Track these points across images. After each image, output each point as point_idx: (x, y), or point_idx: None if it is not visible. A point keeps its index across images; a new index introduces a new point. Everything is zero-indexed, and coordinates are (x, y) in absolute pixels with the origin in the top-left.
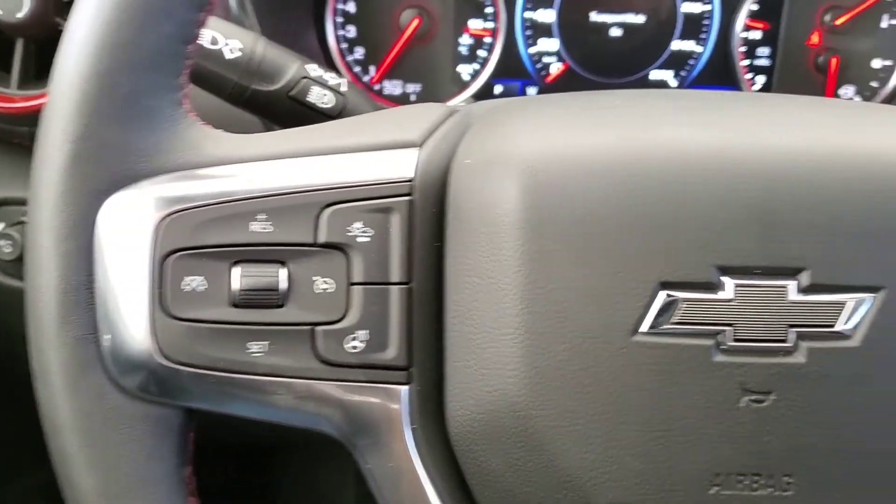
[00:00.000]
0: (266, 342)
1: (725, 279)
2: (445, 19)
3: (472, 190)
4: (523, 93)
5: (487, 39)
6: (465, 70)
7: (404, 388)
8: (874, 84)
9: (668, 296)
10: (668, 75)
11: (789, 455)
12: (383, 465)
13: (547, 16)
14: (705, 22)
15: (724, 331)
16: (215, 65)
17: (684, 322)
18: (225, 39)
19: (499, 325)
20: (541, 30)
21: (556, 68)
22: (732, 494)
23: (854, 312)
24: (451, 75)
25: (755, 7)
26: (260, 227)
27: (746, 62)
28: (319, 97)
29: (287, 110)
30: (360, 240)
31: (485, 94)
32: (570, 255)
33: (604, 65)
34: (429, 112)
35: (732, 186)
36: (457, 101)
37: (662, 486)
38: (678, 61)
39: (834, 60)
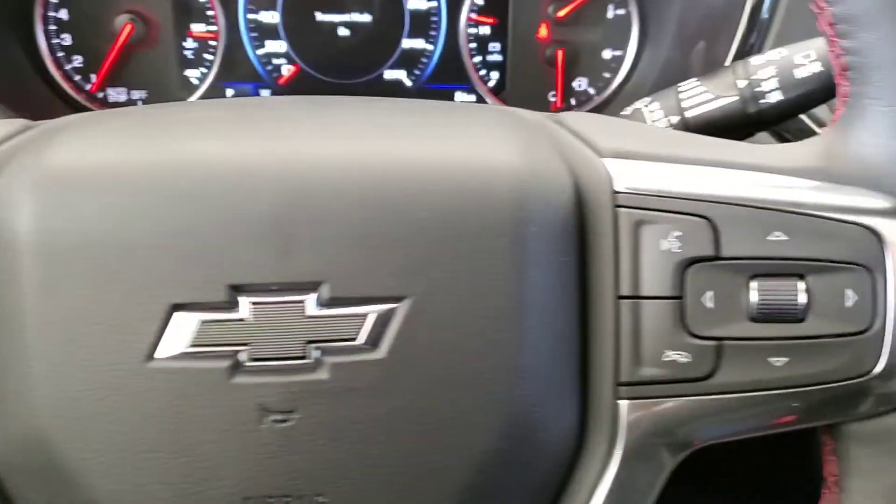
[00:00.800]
0: None
1: (241, 298)
2: (165, 23)
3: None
4: (257, 95)
5: (213, 42)
6: (193, 74)
7: None
8: (606, 75)
9: (182, 318)
10: (401, 74)
11: (318, 474)
12: None
13: (271, 17)
14: (433, 19)
15: (240, 351)
16: None
17: (200, 344)
18: None
19: (21, 356)
20: (266, 31)
21: (287, 70)
22: None
23: (377, 324)
24: (178, 79)
25: (481, 2)
26: None
27: (478, 58)
28: None
29: None
30: None
31: (215, 97)
32: (81, 280)
33: (336, 65)
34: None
35: (247, 201)
36: None
37: None
38: (410, 60)
39: (560, 53)
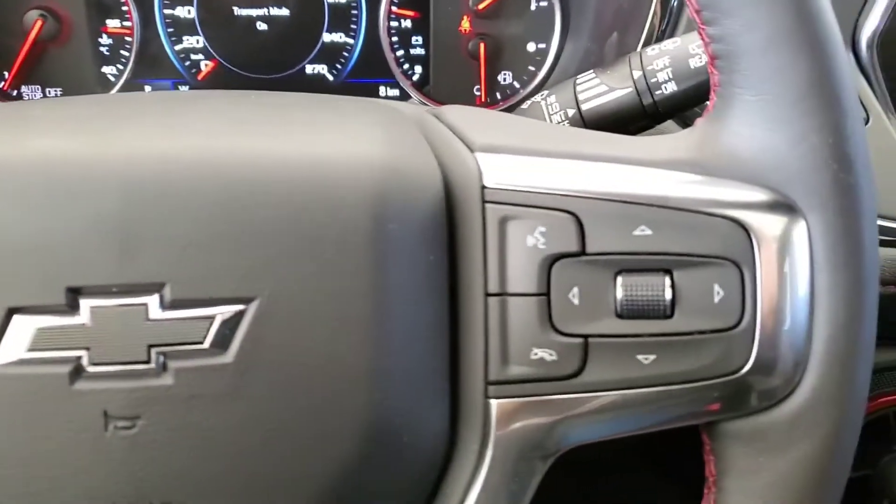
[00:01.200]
0: None
1: (82, 301)
2: (78, 19)
3: None
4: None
5: (129, 38)
6: (109, 70)
7: None
8: (531, 68)
9: (20, 322)
10: (323, 69)
11: (166, 482)
12: None
13: (187, 12)
14: (353, 12)
15: (81, 356)
16: None
17: (39, 349)
18: None
19: None
20: (183, 26)
21: (205, 66)
22: None
23: (224, 327)
24: (95, 76)
25: None
26: None
27: (401, 52)
28: None
29: None
30: None
31: None
32: None
33: (255, 60)
34: None
35: (86, 199)
36: None
37: None
38: (331, 54)
39: (482, 46)
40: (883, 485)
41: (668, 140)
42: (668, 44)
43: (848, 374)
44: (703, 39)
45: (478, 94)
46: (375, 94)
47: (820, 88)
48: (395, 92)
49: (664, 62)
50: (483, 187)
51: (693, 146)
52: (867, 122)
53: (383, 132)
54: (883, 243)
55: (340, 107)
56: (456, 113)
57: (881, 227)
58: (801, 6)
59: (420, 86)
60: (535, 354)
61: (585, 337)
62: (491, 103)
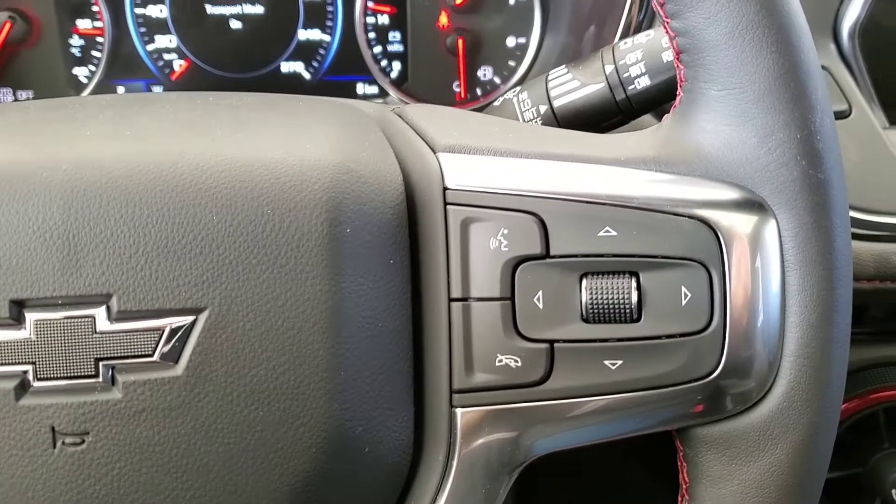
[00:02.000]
0: None
1: (26, 314)
2: (48, 20)
3: None
4: (148, 91)
5: (100, 39)
6: (81, 72)
7: None
8: (511, 63)
9: None
10: (299, 67)
11: (117, 499)
12: None
13: (159, 11)
14: (329, 9)
15: (27, 371)
16: None
17: None
18: None
19: None
20: (155, 26)
21: (178, 65)
22: None
23: (174, 338)
24: (67, 78)
25: None
26: None
27: (378, 49)
28: None
29: None
30: None
31: None
32: None
33: (230, 59)
34: None
35: (29, 208)
36: None
37: None
38: (308, 52)
39: (460, 41)
40: (874, 482)
41: (635, 137)
42: (640, 37)
43: (821, 375)
44: (667, 33)
45: (457, 90)
46: (353, 92)
47: (786, 82)
48: (374, 89)
49: (636, 56)
50: (445, 188)
51: (659, 143)
52: (849, 113)
53: (340, 133)
54: (867, 238)
55: (297, 108)
56: (419, 112)
57: (865, 221)
58: None
59: (399, 83)
60: (500, 361)
61: (551, 342)
62: (471, 99)
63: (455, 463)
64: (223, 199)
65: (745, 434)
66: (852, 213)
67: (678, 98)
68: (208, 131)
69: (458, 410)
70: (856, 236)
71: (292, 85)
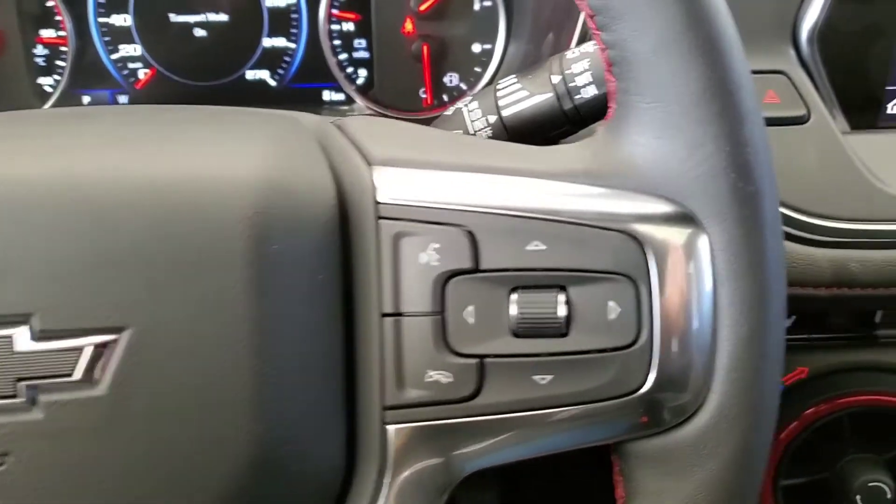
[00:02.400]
0: None
1: None
2: (11, 30)
3: None
4: (113, 101)
5: (64, 48)
6: (46, 81)
7: None
8: (477, 69)
9: None
10: (264, 74)
11: None
12: None
13: (123, 20)
14: (294, 16)
15: None
16: None
17: None
18: None
19: None
20: (119, 35)
21: (143, 74)
22: None
23: (95, 358)
24: (31, 88)
25: None
26: None
27: (344, 55)
28: None
29: None
30: None
31: (69, 105)
32: None
33: (195, 67)
34: None
35: None
36: None
37: None
38: (272, 60)
39: (426, 47)
40: (841, 487)
41: (568, 150)
42: (588, 46)
43: (752, 390)
44: (599, 45)
45: (424, 96)
46: (319, 99)
47: (713, 95)
48: (340, 96)
49: (583, 65)
50: (377, 202)
51: (590, 156)
52: (808, 118)
53: (272, 147)
54: (825, 244)
55: (234, 121)
56: (358, 124)
57: (823, 227)
58: (691, 9)
59: (364, 89)
60: (431, 377)
61: (481, 357)
62: (437, 105)
63: (388, 480)
64: (145, 216)
65: (678, 449)
66: (810, 220)
67: (610, 110)
68: (134, 146)
69: (390, 427)
70: (814, 243)
71: (258, 92)
